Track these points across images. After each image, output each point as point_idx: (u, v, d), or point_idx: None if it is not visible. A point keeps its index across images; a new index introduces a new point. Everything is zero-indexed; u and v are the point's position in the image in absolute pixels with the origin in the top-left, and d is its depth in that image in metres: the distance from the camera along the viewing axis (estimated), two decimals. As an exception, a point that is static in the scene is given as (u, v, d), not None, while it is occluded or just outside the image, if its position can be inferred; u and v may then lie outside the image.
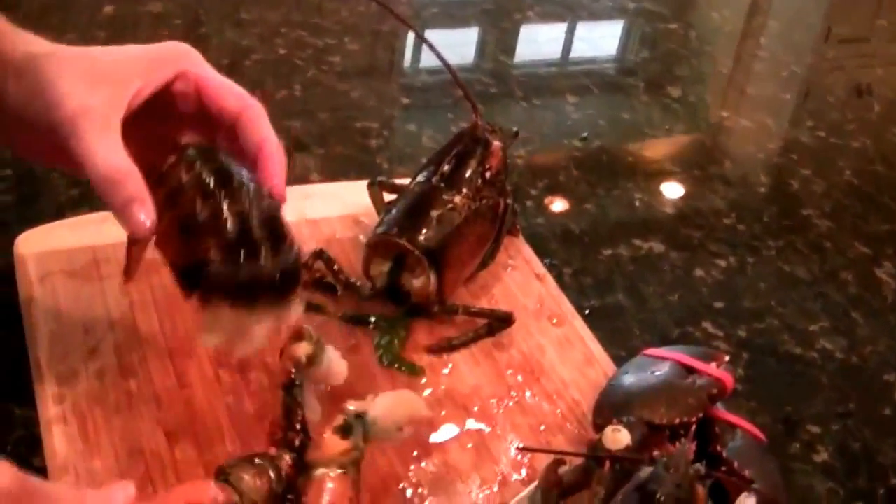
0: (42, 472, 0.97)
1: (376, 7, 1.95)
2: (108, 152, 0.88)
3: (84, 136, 0.88)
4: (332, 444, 0.87)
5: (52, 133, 0.89)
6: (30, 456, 1.00)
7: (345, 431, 0.87)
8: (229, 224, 0.89)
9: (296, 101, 1.69)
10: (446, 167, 1.22)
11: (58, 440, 1.00)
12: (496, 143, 1.25)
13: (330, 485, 0.85)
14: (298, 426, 0.88)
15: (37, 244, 1.21)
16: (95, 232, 1.21)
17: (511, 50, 2.03)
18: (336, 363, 0.95)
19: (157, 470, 0.99)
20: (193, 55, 0.99)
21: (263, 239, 0.91)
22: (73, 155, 0.88)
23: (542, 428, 1.11)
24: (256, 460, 0.84)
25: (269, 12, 1.96)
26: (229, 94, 0.98)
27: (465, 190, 1.21)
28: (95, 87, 0.90)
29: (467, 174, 1.22)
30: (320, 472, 0.85)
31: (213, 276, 0.88)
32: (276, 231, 0.93)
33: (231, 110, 0.97)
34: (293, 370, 0.90)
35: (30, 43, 0.95)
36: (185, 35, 1.79)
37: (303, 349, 0.91)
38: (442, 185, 1.21)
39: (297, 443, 0.87)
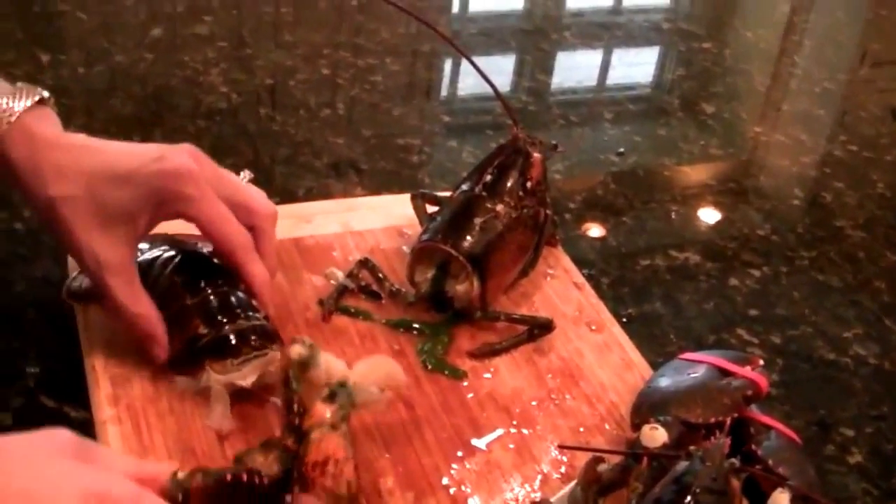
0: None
1: (416, 28, 2.00)
2: (125, 298, 1.08)
3: (105, 284, 1.06)
4: (320, 410, 0.98)
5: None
6: (87, 456, 1.04)
7: (330, 398, 0.98)
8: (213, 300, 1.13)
9: (339, 119, 1.74)
10: (488, 177, 1.26)
11: (112, 440, 1.04)
12: (536, 155, 1.28)
13: (324, 442, 0.95)
14: (296, 408, 0.98)
15: (92, 254, 1.25)
16: (145, 243, 1.25)
17: (549, 72, 2.06)
18: (334, 363, 1.02)
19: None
20: (193, 194, 1.06)
21: (240, 309, 1.12)
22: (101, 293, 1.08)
23: (582, 429, 1.14)
24: (265, 444, 0.97)
25: (311, 34, 2.01)
26: (223, 242, 1.10)
27: (506, 199, 1.24)
28: (108, 234, 1.04)
29: (509, 184, 1.26)
30: (315, 433, 0.95)
31: (206, 344, 1.09)
32: (250, 305, 1.14)
33: (230, 253, 1.11)
34: (289, 366, 0.99)
35: (47, 166, 1.04)
36: (230, 55, 1.85)
37: (295, 350, 1.00)
38: (484, 194, 1.24)
39: (295, 422, 0.97)
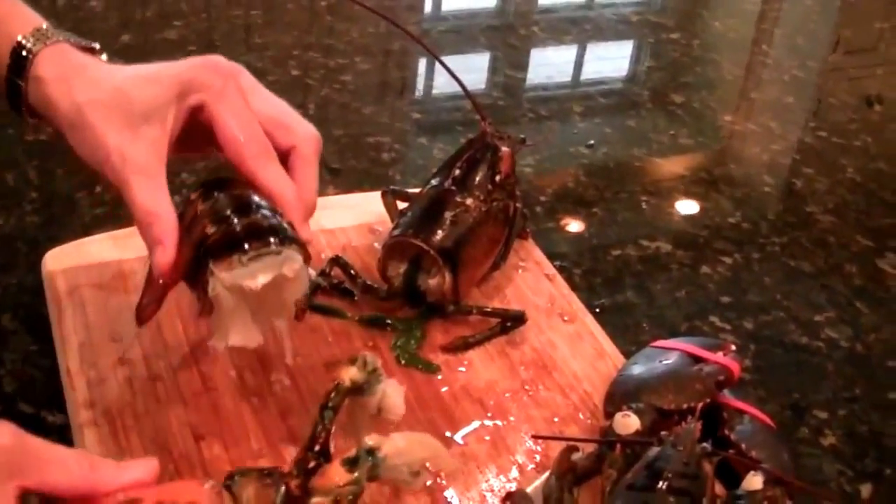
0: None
1: (386, 27, 2.00)
2: (145, 197, 0.97)
3: (127, 183, 0.97)
4: (336, 473, 0.87)
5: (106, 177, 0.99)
6: (65, 459, 1.05)
7: (351, 463, 0.87)
8: (224, 200, 1.00)
9: (309, 119, 1.72)
10: (458, 172, 1.26)
11: (89, 442, 1.04)
12: (505, 149, 1.29)
13: None
14: (318, 448, 0.89)
15: (64, 260, 1.26)
16: (120, 246, 1.26)
17: (520, 68, 2.07)
18: (392, 397, 0.95)
19: (185, 468, 1.03)
20: (217, 84, 1.01)
21: (256, 207, 0.99)
22: (123, 198, 0.96)
23: (556, 420, 1.14)
24: (267, 475, 0.86)
25: (281, 36, 2.01)
26: (237, 142, 1.01)
27: (476, 193, 1.25)
28: (136, 134, 0.98)
29: (478, 178, 1.26)
30: (315, 500, 0.86)
31: (212, 242, 0.96)
32: (271, 208, 1.00)
33: (240, 158, 1.01)
34: (333, 392, 0.91)
35: (77, 79, 1.00)
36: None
37: (349, 374, 0.92)
38: (454, 188, 1.25)
39: (311, 465, 0.87)
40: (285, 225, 0.98)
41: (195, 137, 1.02)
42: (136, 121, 0.97)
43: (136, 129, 0.97)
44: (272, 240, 0.95)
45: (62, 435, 1.07)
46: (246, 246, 0.94)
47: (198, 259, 0.97)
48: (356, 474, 0.87)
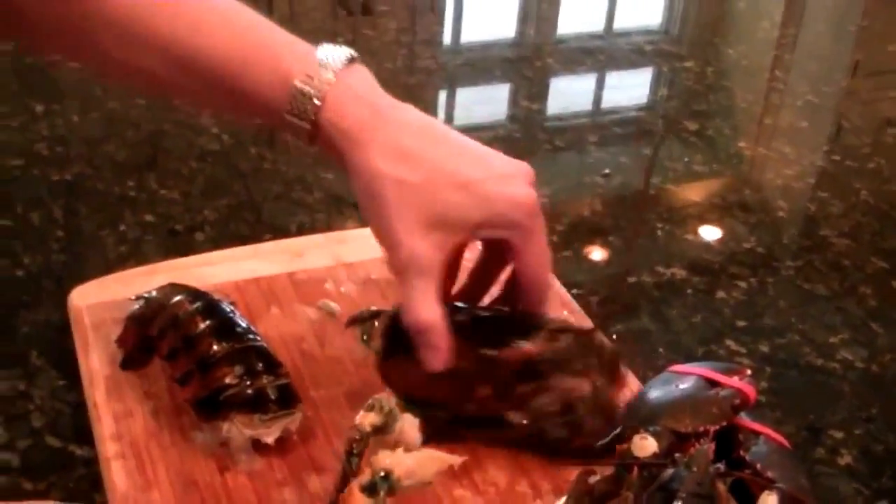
0: (106, 506, 1.04)
1: (402, 62, 2.03)
2: (422, 305, 0.94)
3: (411, 284, 0.94)
4: (356, 501, 0.90)
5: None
6: (92, 492, 1.07)
7: (370, 490, 0.90)
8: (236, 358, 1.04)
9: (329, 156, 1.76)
10: None
11: (116, 475, 1.06)
12: None
13: None
14: (346, 490, 0.92)
15: (90, 296, 1.28)
16: (144, 283, 1.28)
17: (537, 100, 2.09)
18: (409, 432, 0.97)
19: (211, 499, 1.04)
20: (526, 221, 0.96)
21: (268, 365, 1.04)
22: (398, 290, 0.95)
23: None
24: None
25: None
26: (539, 288, 0.96)
27: None
28: (428, 233, 0.93)
29: None
30: None
31: (237, 396, 1.01)
32: (272, 360, 1.05)
33: (531, 300, 0.97)
34: (356, 437, 0.94)
35: (377, 133, 0.94)
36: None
37: (368, 419, 0.94)
38: None
39: None
40: (290, 382, 1.06)
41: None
42: (434, 221, 0.92)
43: (431, 228, 0.93)
44: (288, 403, 1.03)
45: (89, 467, 1.10)
46: (272, 408, 1.01)
47: (212, 398, 1.04)
48: (376, 499, 0.89)
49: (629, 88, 2.23)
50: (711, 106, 2.11)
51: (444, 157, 0.89)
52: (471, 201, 0.93)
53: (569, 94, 2.13)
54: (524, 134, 1.92)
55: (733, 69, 2.33)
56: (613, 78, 2.25)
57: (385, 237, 0.90)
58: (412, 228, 0.87)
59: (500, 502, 1.06)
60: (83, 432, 1.14)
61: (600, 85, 2.17)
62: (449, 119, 2.00)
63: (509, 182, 0.88)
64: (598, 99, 2.13)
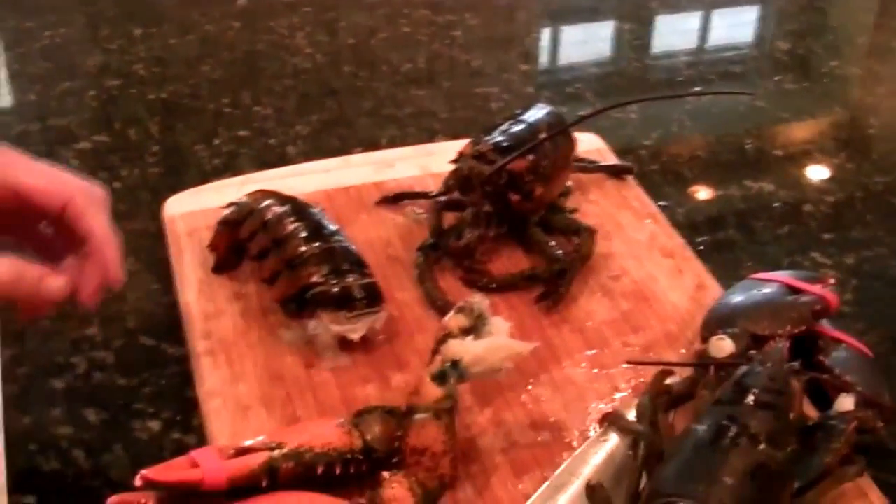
0: (194, 402, 1.09)
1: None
2: None
3: None
4: (428, 390, 0.96)
5: None
6: (183, 388, 1.12)
7: (440, 379, 0.96)
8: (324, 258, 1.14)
9: (420, 72, 1.79)
10: None
11: (206, 369, 1.11)
12: None
13: (425, 430, 0.94)
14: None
15: (184, 205, 1.33)
16: (237, 192, 1.32)
17: (646, 44, 2.06)
18: (498, 335, 1.00)
19: (296, 392, 1.08)
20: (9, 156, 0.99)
21: (355, 265, 1.15)
22: None
23: (653, 349, 1.18)
24: (389, 414, 0.97)
25: (392, -6, 2.06)
26: (46, 193, 0.98)
27: None
28: None
29: None
30: (419, 417, 0.95)
31: (324, 293, 1.11)
32: (358, 260, 1.16)
33: (53, 206, 0.98)
34: (443, 363, 0.97)
35: None
36: (314, 20, 1.91)
37: (458, 321, 0.98)
38: None
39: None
40: (377, 282, 1.15)
41: None
42: None
43: None
44: (375, 301, 1.13)
45: (181, 365, 1.14)
46: (357, 306, 1.11)
47: (300, 296, 1.13)
48: (446, 388, 0.95)
49: (745, 26, 2.18)
50: (802, 26, 2.09)
51: None
52: None
53: (681, 32, 2.10)
54: (629, 77, 1.91)
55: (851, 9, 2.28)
56: (729, 15, 2.21)
57: None
58: None
59: (579, 399, 1.10)
60: (175, 332, 1.18)
61: (716, 22, 2.12)
62: (531, 41, 2.00)
63: None
64: (712, 37, 2.09)
